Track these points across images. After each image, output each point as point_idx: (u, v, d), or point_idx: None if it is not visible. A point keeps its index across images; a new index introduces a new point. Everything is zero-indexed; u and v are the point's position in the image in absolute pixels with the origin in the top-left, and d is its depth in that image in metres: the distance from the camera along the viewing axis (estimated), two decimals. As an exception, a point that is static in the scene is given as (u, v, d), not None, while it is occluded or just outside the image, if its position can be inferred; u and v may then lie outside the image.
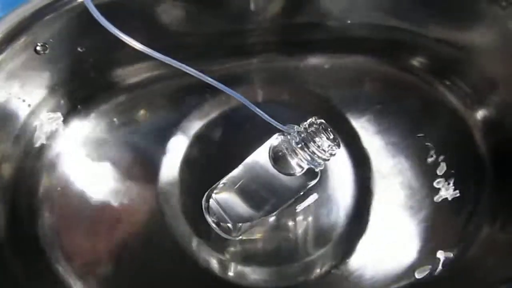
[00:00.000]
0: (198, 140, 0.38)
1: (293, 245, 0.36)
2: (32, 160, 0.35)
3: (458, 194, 0.36)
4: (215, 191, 0.33)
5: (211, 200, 0.33)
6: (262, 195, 0.32)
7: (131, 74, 0.38)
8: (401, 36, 0.38)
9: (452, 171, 0.37)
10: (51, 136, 0.36)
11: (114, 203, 0.36)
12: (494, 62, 0.36)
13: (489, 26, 0.34)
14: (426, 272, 0.34)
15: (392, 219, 0.36)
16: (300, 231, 0.36)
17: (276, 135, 0.31)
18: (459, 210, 0.36)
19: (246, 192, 0.32)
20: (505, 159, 0.36)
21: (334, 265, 0.35)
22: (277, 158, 0.30)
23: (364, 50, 0.40)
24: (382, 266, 0.35)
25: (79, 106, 0.37)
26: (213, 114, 0.39)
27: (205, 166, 0.38)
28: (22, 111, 0.34)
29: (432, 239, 0.35)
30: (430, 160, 0.38)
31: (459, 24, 0.35)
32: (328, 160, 0.28)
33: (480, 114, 0.38)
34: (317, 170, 0.30)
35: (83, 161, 0.37)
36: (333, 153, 0.27)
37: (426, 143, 0.38)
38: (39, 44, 0.32)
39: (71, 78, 0.35)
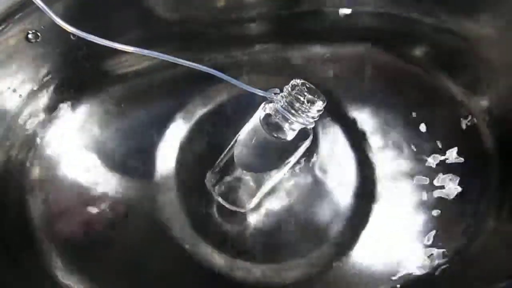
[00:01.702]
0: (195, 130, 0.38)
1: (294, 239, 0.35)
2: (23, 151, 0.35)
3: (463, 186, 0.36)
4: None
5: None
6: (263, 162, 0.33)
7: (125, 63, 0.38)
8: (403, 25, 0.38)
9: (457, 162, 0.37)
10: (43, 126, 0.36)
11: (109, 194, 0.36)
12: (497, 52, 0.35)
13: (493, 15, 0.34)
14: (429, 267, 0.34)
15: (395, 213, 0.36)
16: (301, 226, 0.35)
17: (262, 105, 0.31)
18: (464, 203, 0.35)
19: (247, 162, 0.33)
20: (510, 150, 0.36)
21: (336, 259, 0.35)
22: (269, 125, 0.30)
23: (365, 40, 0.40)
24: (384, 260, 0.34)
25: (72, 96, 0.37)
26: (210, 104, 0.39)
27: (202, 157, 0.37)
28: (13, 102, 0.33)
29: (435, 233, 0.35)
30: (434, 151, 0.37)
31: (462, 13, 0.35)
32: (317, 118, 0.28)
33: (484, 104, 0.37)
34: (308, 128, 0.31)
35: (77, 151, 0.37)
36: (320, 109, 0.28)
37: (430, 134, 0.37)
38: (30, 32, 0.31)
39: (64, 67, 0.35)
